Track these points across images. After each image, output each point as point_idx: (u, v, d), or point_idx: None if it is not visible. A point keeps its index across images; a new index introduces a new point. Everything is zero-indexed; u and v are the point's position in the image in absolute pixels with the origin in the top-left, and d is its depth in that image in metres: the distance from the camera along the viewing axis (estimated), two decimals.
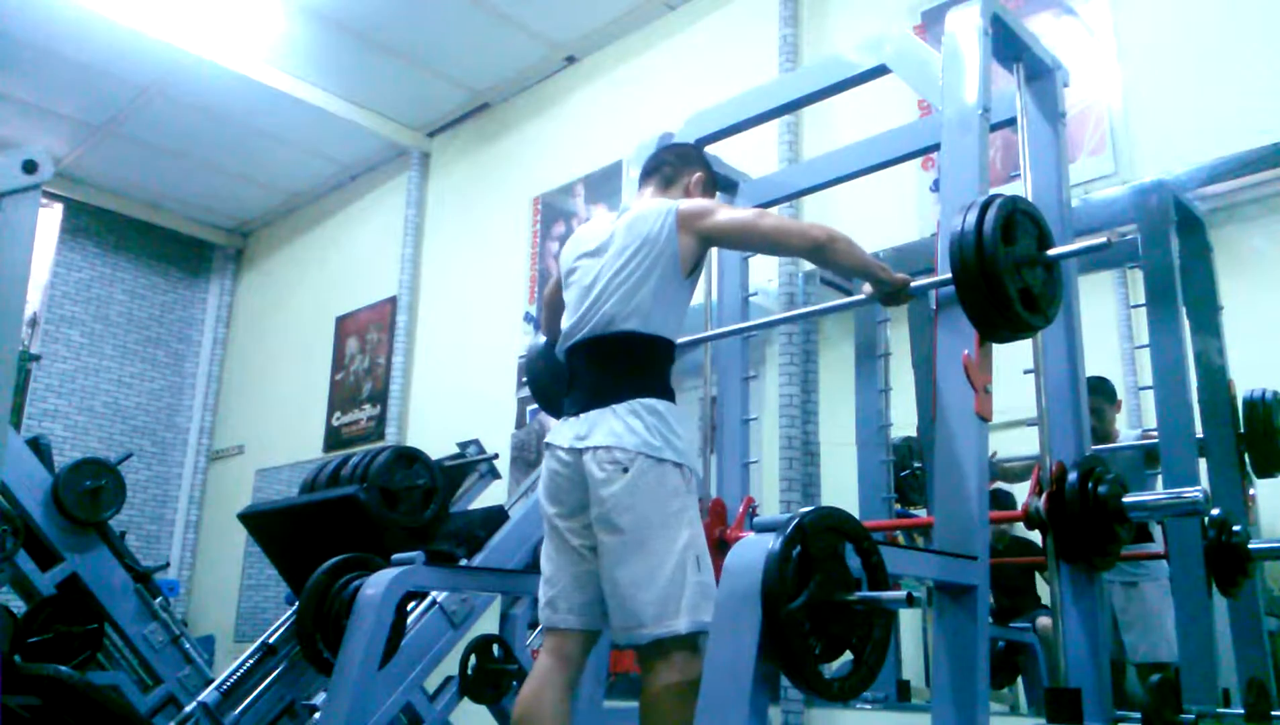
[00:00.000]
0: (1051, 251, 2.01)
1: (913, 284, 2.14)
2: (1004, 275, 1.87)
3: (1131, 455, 3.25)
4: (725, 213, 2.26)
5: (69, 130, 6.73)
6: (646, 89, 5.27)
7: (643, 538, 2.03)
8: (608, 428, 2.10)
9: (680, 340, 2.81)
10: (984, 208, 1.91)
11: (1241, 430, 2.85)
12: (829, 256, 2.14)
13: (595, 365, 2.22)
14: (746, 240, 2.30)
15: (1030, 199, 2.23)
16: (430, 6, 5.30)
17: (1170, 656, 3.08)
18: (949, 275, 1.93)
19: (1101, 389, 3.32)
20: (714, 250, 2.88)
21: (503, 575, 3.02)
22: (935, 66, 2.30)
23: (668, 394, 2.18)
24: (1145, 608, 3.23)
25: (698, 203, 2.31)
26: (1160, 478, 2.79)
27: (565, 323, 2.33)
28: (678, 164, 2.48)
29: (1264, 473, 2.86)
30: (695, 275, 2.30)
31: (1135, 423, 3.38)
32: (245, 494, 7.04)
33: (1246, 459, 2.84)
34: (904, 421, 3.63)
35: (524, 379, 2.94)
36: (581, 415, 2.17)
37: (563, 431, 2.21)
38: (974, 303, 1.91)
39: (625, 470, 2.05)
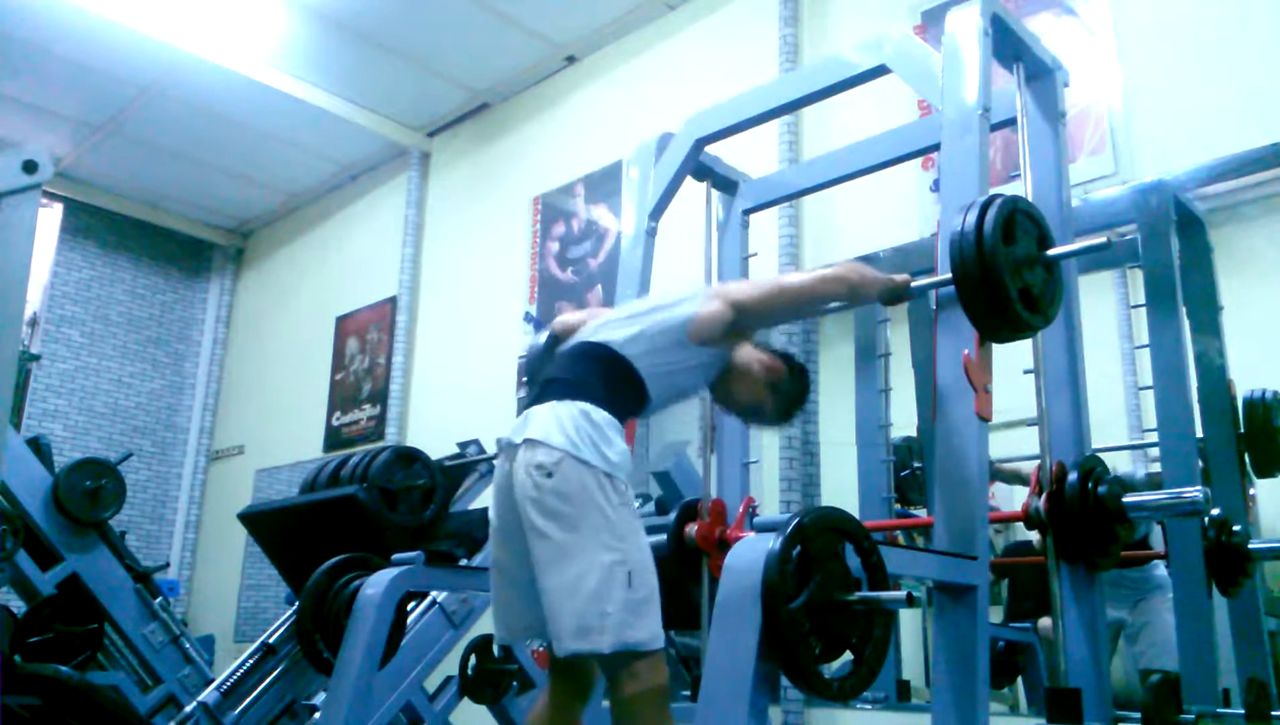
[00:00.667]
0: (1051, 251, 2.01)
1: (913, 284, 2.15)
2: (1004, 275, 1.87)
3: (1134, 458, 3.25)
4: (746, 284, 2.28)
5: (69, 130, 6.73)
6: (646, 89, 5.27)
7: (564, 545, 1.95)
8: (540, 423, 2.03)
9: None
10: (984, 208, 1.91)
11: (1241, 430, 2.84)
12: (862, 293, 2.17)
13: (557, 368, 2.21)
14: (781, 301, 2.23)
15: (1030, 199, 2.22)
16: (430, 6, 5.30)
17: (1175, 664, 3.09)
18: (949, 275, 1.93)
19: None
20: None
21: None
22: (935, 66, 2.30)
23: (613, 410, 2.10)
24: (1152, 616, 3.23)
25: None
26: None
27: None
28: None
29: (1264, 473, 2.86)
30: (703, 347, 2.21)
31: (1135, 423, 3.38)
32: (245, 494, 7.04)
33: (1246, 459, 2.84)
34: (904, 421, 3.63)
35: (524, 379, 2.94)
36: (526, 411, 2.12)
37: (508, 430, 2.14)
38: (974, 303, 1.91)
39: (549, 475, 1.97)
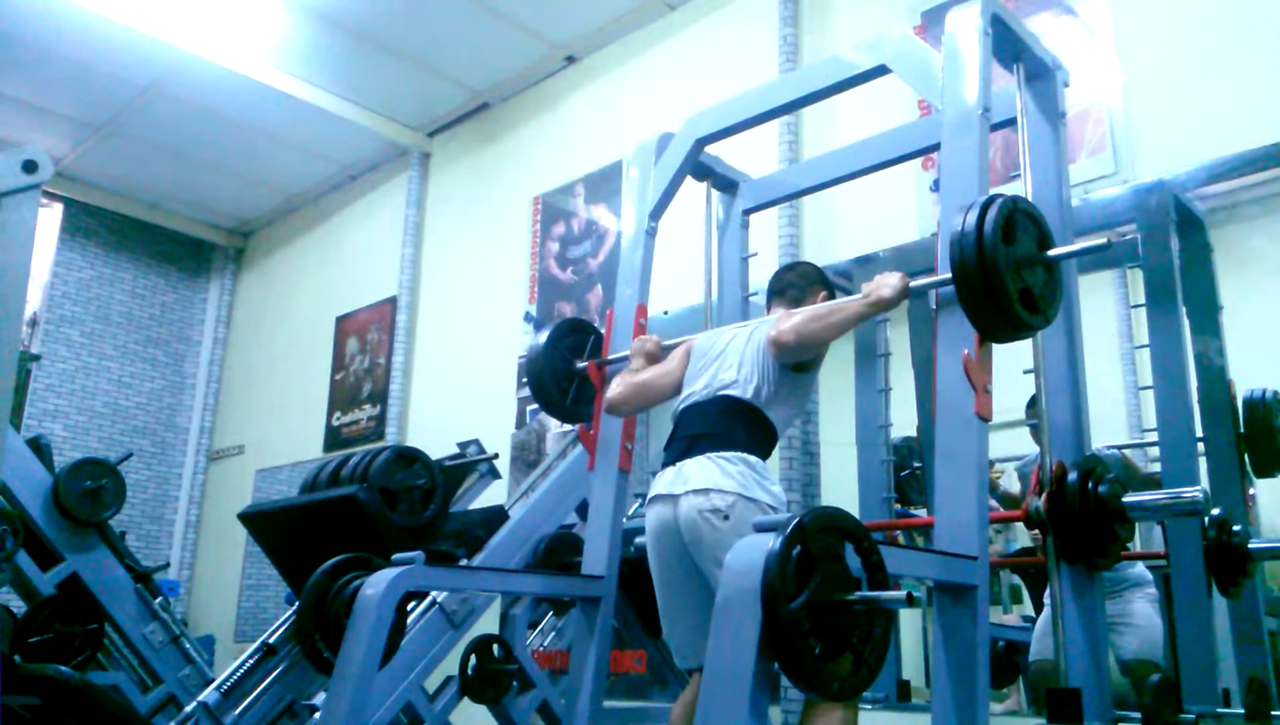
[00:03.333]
0: (1052, 252, 2.01)
1: (912, 284, 2.15)
2: (1004, 275, 1.87)
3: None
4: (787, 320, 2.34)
5: (69, 130, 6.73)
6: (646, 89, 5.27)
7: None
8: (704, 473, 2.24)
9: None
10: (984, 208, 1.91)
11: (1242, 430, 2.84)
12: (871, 317, 2.26)
13: (699, 424, 2.36)
14: (818, 332, 2.30)
15: (1030, 199, 2.22)
16: (430, 6, 5.30)
17: (1156, 653, 3.08)
18: (949, 275, 1.93)
19: None
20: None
21: (503, 575, 3.02)
22: (935, 66, 2.30)
23: (762, 455, 2.31)
24: (1128, 606, 3.21)
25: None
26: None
27: (684, 391, 2.48)
28: (802, 284, 2.57)
29: (1264, 473, 2.86)
30: (800, 373, 2.39)
31: (1136, 423, 3.38)
32: (245, 494, 7.04)
33: (1246, 459, 2.84)
34: (904, 421, 3.63)
35: (524, 379, 2.95)
36: (678, 463, 2.32)
37: (660, 482, 2.35)
38: (974, 303, 1.91)
39: (726, 518, 2.17)
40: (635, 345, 2.69)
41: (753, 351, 2.39)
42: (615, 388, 2.61)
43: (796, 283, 2.57)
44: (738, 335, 2.48)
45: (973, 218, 1.90)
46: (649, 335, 2.73)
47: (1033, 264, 1.96)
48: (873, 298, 2.18)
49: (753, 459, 2.26)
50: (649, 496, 2.38)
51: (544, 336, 2.93)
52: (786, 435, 3.94)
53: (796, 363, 2.37)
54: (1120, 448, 3.28)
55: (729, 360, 2.41)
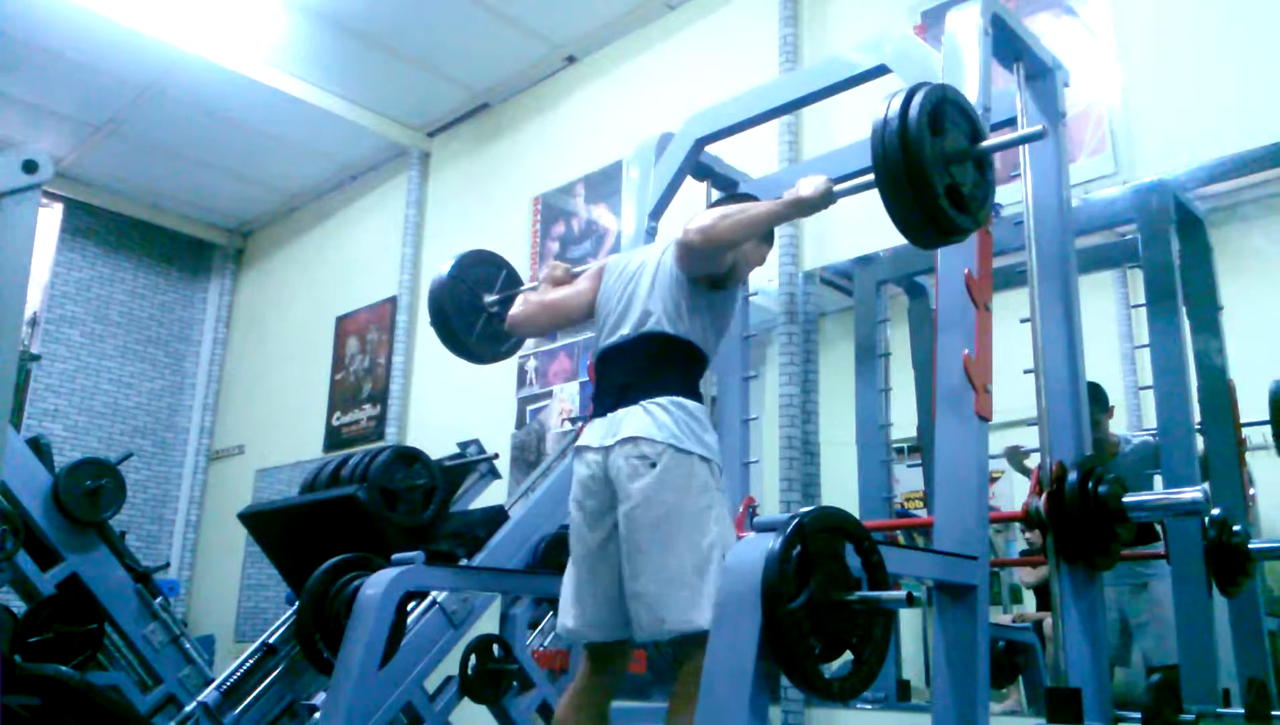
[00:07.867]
0: (984, 143, 1.85)
1: (837, 188, 2.09)
2: (929, 169, 1.71)
3: (1139, 457, 3.22)
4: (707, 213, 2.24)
5: (69, 130, 6.73)
6: (646, 89, 5.27)
7: (669, 533, 2.03)
8: (635, 421, 2.12)
9: None
10: (909, 96, 1.75)
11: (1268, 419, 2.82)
12: (813, 208, 2.15)
13: (626, 371, 2.24)
14: (744, 226, 2.19)
15: (1030, 199, 2.22)
16: (430, 6, 5.30)
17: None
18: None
19: (1094, 397, 3.28)
20: None
21: (503, 575, 3.02)
22: (935, 66, 2.30)
23: (695, 395, 2.21)
24: (1158, 610, 3.20)
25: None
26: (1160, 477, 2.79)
27: (598, 331, 2.38)
28: None
29: None
30: (722, 288, 2.30)
31: (1136, 423, 3.38)
32: (245, 494, 7.04)
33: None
34: (904, 421, 3.63)
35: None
36: (609, 415, 2.20)
37: (591, 433, 2.23)
38: (897, 200, 1.75)
39: (653, 465, 2.06)
40: (544, 272, 2.61)
41: (665, 275, 2.27)
42: (518, 306, 2.50)
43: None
44: (649, 257, 2.36)
45: (896, 106, 1.74)
46: (558, 262, 2.65)
47: (963, 160, 1.82)
48: (790, 197, 2.09)
49: (690, 404, 2.14)
50: (576, 447, 2.27)
51: (448, 266, 2.86)
52: (787, 435, 3.96)
53: (711, 278, 2.25)
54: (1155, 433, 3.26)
55: (641, 287, 2.29)
